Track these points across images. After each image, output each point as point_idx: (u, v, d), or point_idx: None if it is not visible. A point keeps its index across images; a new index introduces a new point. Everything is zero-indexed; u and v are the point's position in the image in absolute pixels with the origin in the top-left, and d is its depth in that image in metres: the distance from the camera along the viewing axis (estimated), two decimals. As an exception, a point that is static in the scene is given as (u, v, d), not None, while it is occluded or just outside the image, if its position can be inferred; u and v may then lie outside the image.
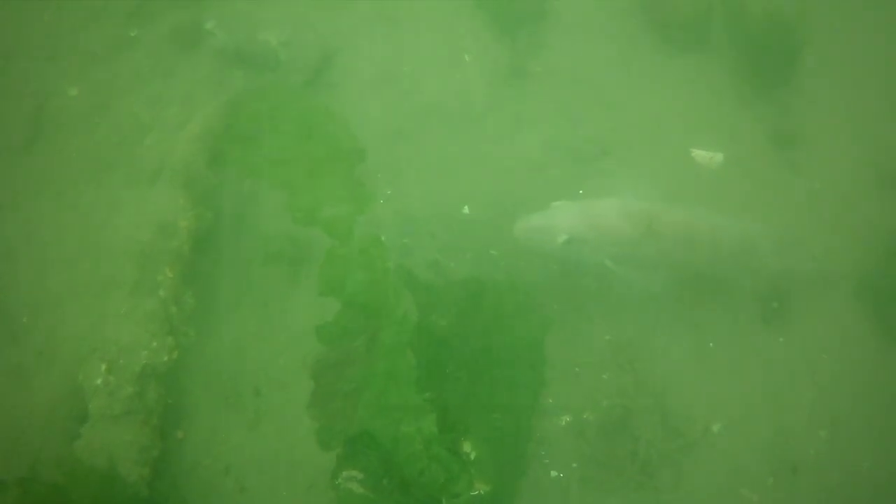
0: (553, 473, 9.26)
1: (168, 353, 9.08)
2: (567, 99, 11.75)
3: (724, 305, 10.49)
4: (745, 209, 11.03)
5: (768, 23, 11.91)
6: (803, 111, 12.14)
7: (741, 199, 11.19)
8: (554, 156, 11.21)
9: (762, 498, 9.51)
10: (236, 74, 11.32)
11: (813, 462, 9.75)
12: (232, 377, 9.51)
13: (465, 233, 10.12)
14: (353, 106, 11.06)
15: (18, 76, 11.22)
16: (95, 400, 8.67)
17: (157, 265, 9.53)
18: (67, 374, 9.06)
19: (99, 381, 8.73)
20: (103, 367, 8.80)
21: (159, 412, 8.93)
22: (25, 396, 9.09)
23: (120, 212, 10.03)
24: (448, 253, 10.04)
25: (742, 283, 10.43)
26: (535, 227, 9.40)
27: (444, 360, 8.43)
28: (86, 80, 11.23)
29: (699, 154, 11.41)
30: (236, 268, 10.11)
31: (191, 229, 9.79)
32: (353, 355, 8.62)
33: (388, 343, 8.24)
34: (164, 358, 9.02)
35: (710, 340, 10.20)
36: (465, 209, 10.56)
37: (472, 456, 8.07)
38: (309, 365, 9.07)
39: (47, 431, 8.90)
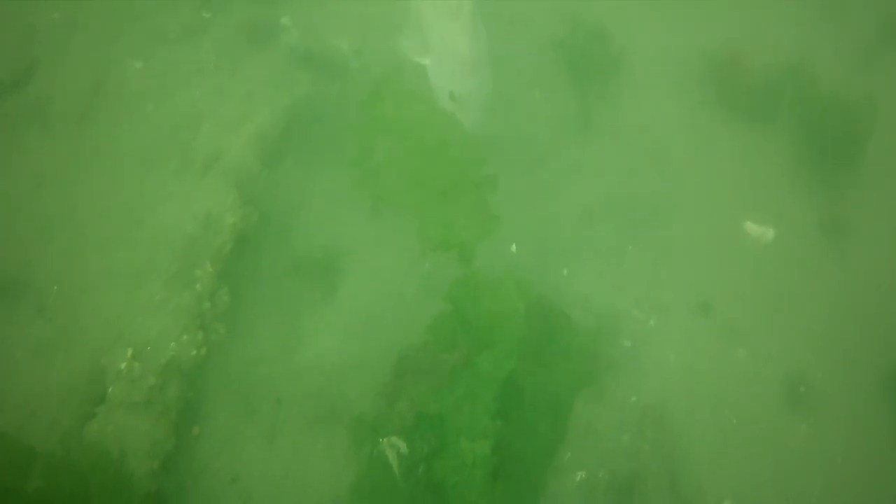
0: (561, 530, 9.19)
1: (196, 349, 8.97)
2: (627, 154, 11.68)
3: (751, 380, 10.39)
4: (788, 289, 10.98)
5: (836, 106, 11.82)
6: (858, 200, 12.04)
7: (785, 277, 11.10)
8: (606, 209, 11.14)
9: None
10: (303, 77, 11.20)
11: (815, 552, 9.71)
12: (255, 383, 9.38)
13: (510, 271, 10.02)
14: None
15: (82, 44, 11.16)
16: (116, 385, 8.56)
17: (197, 259, 9.45)
18: (92, 353, 8.90)
19: (122, 367, 8.62)
20: (129, 352, 8.69)
21: (178, 407, 8.80)
22: (45, 370, 8.95)
23: (166, 199, 9.93)
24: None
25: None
26: None
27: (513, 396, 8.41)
28: (151, 58, 11.17)
29: (752, 227, 11.33)
30: (275, 273, 10.01)
31: (236, 227, 9.71)
32: (439, 367, 8.58)
33: (486, 371, 8.19)
34: (191, 353, 8.92)
35: (734, 416, 10.10)
36: (513, 247, 10.49)
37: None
38: (393, 356, 9.01)
39: (62, 407, 8.73)
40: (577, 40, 11.80)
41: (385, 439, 8.03)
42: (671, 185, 11.51)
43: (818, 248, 11.53)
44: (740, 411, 10.15)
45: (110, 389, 8.54)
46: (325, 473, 8.75)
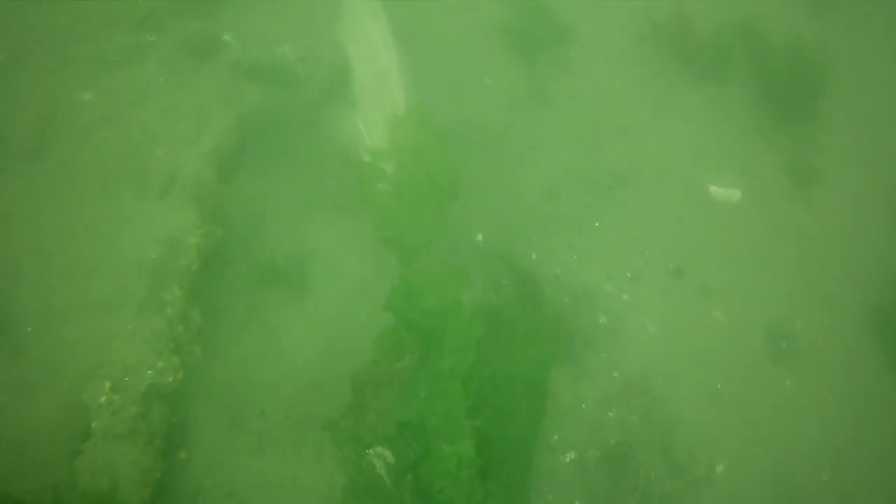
0: (555, 509, 9.22)
1: (174, 373, 8.95)
2: (584, 125, 11.68)
3: (732, 341, 10.40)
4: (759, 244, 10.97)
5: (791, 56, 11.82)
6: (821, 147, 12.07)
7: (755, 233, 11.10)
8: (568, 183, 11.12)
9: (763, 540, 9.52)
10: (251, 88, 11.14)
11: (815, 503, 9.71)
12: (237, 398, 9.37)
13: (477, 261, 9.98)
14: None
15: (28, 81, 11.06)
16: (99, 418, 8.52)
17: (165, 283, 9.42)
18: (71, 390, 8.85)
19: (103, 400, 8.59)
20: (108, 385, 8.67)
21: (163, 432, 8.77)
22: (29, 410, 8.88)
23: (129, 226, 9.89)
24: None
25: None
26: None
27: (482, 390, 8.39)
28: (98, 86, 11.09)
29: (717, 191, 11.32)
30: (244, 287, 9.99)
31: (200, 246, 9.68)
32: (394, 376, 8.56)
33: (445, 370, 8.17)
34: (169, 378, 8.89)
35: (718, 379, 10.11)
36: (479, 236, 10.46)
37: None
38: (348, 377, 9.00)
39: (49, 448, 8.67)
40: (520, 22, 11.78)
41: (371, 450, 8.03)
42: (632, 154, 11.52)
43: (786, 200, 11.56)
44: (724, 372, 10.18)
45: (94, 424, 8.51)
46: (317, 479, 8.76)
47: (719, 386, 10.07)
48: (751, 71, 12.36)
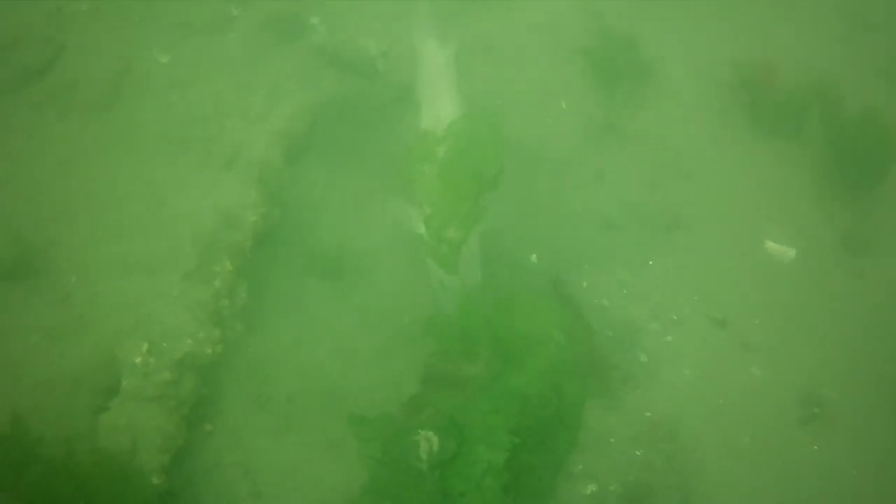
0: (571, 541, 9.17)
1: (212, 346, 8.92)
2: (650, 163, 11.66)
3: (765, 399, 10.34)
4: (806, 307, 10.93)
5: (863, 126, 11.76)
6: (878, 220, 11.99)
7: (803, 296, 11.06)
8: (627, 219, 11.12)
9: None
10: (329, 75, 11.17)
11: (829, 576, 9.68)
12: (269, 380, 9.35)
13: (529, 282, 9.97)
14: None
15: (109, 33, 11.14)
16: (130, 377, 8.48)
17: (216, 255, 9.42)
18: (107, 344, 8.81)
19: (138, 360, 8.55)
20: (145, 346, 8.63)
21: (192, 403, 8.73)
22: (61, 357, 8.87)
23: (187, 192, 9.90)
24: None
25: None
26: None
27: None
28: (177, 49, 11.16)
29: (773, 247, 11.28)
30: (293, 273, 10.00)
31: (257, 225, 9.69)
32: (463, 380, 8.52)
33: (513, 386, 8.15)
34: (207, 350, 8.86)
35: (747, 434, 10.05)
36: (533, 258, 10.46)
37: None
38: (420, 368, 8.86)
39: (75, 398, 8.64)
40: (605, 50, 11.77)
41: (423, 432, 7.98)
42: (693, 197, 11.48)
43: (838, 268, 11.49)
44: (753, 429, 10.10)
45: (124, 382, 8.48)
46: (335, 469, 8.74)
47: (746, 441, 9.99)
48: (822, 133, 12.30)
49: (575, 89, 12.11)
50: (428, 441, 7.92)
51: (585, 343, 9.52)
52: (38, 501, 7.64)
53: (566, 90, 12.09)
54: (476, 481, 7.77)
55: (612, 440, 9.62)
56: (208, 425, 8.99)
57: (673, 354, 10.26)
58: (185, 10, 11.47)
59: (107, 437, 8.21)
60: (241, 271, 9.52)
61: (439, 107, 9.89)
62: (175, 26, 11.36)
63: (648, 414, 9.85)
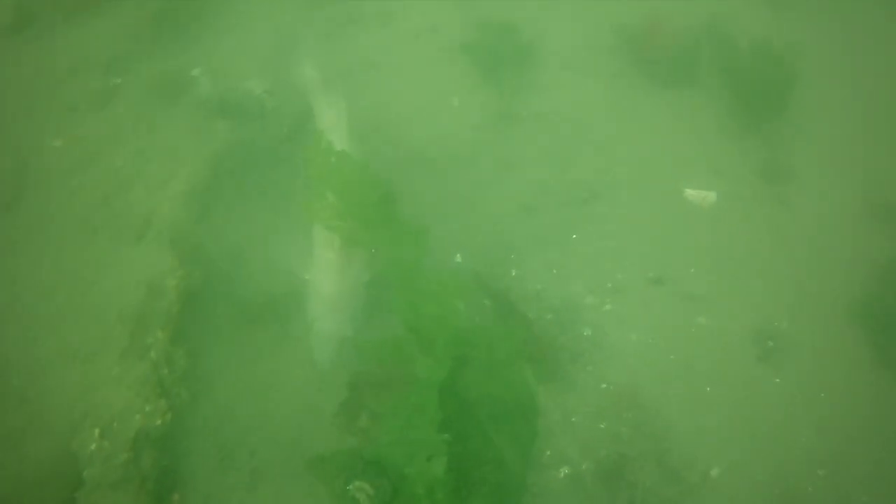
0: (552, 527, 9.20)
1: (161, 416, 8.92)
2: (555, 141, 11.70)
3: (718, 344, 10.39)
4: (738, 246, 10.99)
5: (757, 57, 11.87)
6: (793, 145, 12.11)
7: (734, 236, 11.12)
8: (543, 200, 11.14)
9: (763, 542, 9.49)
10: (221, 125, 11.20)
11: (812, 501, 9.69)
12: (227, 437, 9.32)
13: (457, 281, 9.99)
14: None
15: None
16: (90, 467, 8.50)
17: (147, 327, 9.41)
18: (61, 440, 8.84)
19: (93, 447, 8.58)
20: (96, 432, 8.66)
21: (155, 476, 8.70)
22: (19, 463, 8.86)
23: (107, 272, 9.91)
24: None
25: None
26: None
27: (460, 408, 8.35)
28: (69, 132, 11.17)
29: (692, 194, 11.34)
30: (226, 326, 9.96)
31: (179, 288, 9.66)
32: (393, 380, 8.50)
33: (424, 378, 8.12)
34: (157, 421, 8.86)
35: (706, 384, 10.10)
36: (458, 257, 10.49)
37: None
38: (347, 377, 8.82)
39: (42, 500, 8.66)
40: (485, 41, 11.83)
41: (353, 484, 8.00)
42: (605, 165, 11.54)
43: (761, 201, 11.57)
44: (712, 377, 10.14)
45: (85, 472, 8.48)
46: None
47: (708, 389, 10.03)
48: (718, 73, 12.41)
49: (464, 86, 12.16)
50: (361, 490, 7.97)
51: (524, 331, 9.53)
52: None
53: (456, 88, 12.13)
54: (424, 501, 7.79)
55: (573, 419, 9.64)
56: (176, 495, 8.95)
57: (616, 322, 10.29)
58: (69, 92, 11.46)
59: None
60: (175, 337, 9.48)
61: (332, 134, 9.90)
62: (62, 110, 11.36)
63: (605, 385, 9.87)
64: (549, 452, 9.38)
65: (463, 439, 8.21)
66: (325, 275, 9.39)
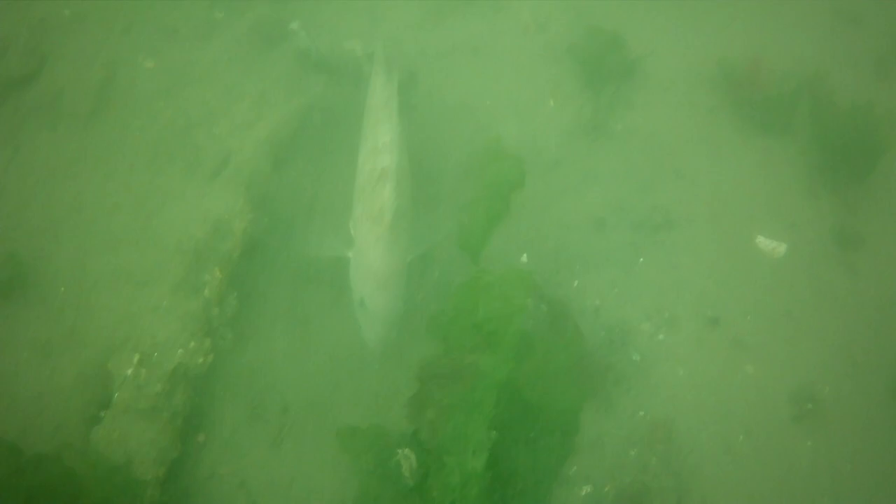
0: (564, 544, 9.15)
1: (204, 356, 8.91)
2: (640, 162, 11.58)
3: (758, 396, 10.31)
4: (798, 303, 10.90)
5: (854, 119, 11.70)
6: (871, 214, 11.93)
7: (795, 292, 11.02)
8: (618, 218, 11.06)
9: None
10: (316, 80, 11.16)
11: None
12: (262, 389, 9.32)
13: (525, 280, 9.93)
14: (429, 132, 10.93)
15: (92, 41, 11.08)
16: (122, 390, 8.50)
17: (204, 264, 9.39)
18: (98, 357, 8.84)
19: (129, 372, 8.58)
20: (136, 358, 8.65)
21: (185, 414, 8.74)
22: (51, 371, 8.88)
23: (175, 202, 9.87)
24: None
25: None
26: None
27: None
28: (162, 55, 11.12)
29: (763, 242, 11.23)
30: (283, 280, 9.95)
31: (246, 232, 9.65)
32: (461, 373, 8.44)
33: (489, 373, 8.08)
34: (199, 360, 8.86)
35: (739, 433, 10.03)
36: (524, 257, 10.44)
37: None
38: (415, 367, 8.64)
39: (67, 411, 8.64)
40: (591, 48, 11.74)
41: (402, 450, 7.99)
42: (683, 195, 11.41)
43: (829, 262, 11.42)
44: (747, 427, 10.06)
45: (116, 395, 8.48)
46: (332, 482, 8.71)
47: (741, 439, 9.96)
48: (812, 127, 12.23)
49: (563, 89, 12.07)
50: (407, 459, 7.96)
51: (580, 346, 9.47)
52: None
53: (555, 89, 12.04)
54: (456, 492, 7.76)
55: (606, 441, 9.60)
56: (202, 436, 8.96)
57: (666, 353, 10.21)
58: (170, 16, 11.43)
59: (100, 451, 8.19)
60: (231, 280, 9.48)
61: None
62: (160, 33, 11.31)
63: (642, 413, 9.82)
64: (575, 468, 9.33)
65: (508, 440, 8.19)
66: (385, 251, 9.20)
